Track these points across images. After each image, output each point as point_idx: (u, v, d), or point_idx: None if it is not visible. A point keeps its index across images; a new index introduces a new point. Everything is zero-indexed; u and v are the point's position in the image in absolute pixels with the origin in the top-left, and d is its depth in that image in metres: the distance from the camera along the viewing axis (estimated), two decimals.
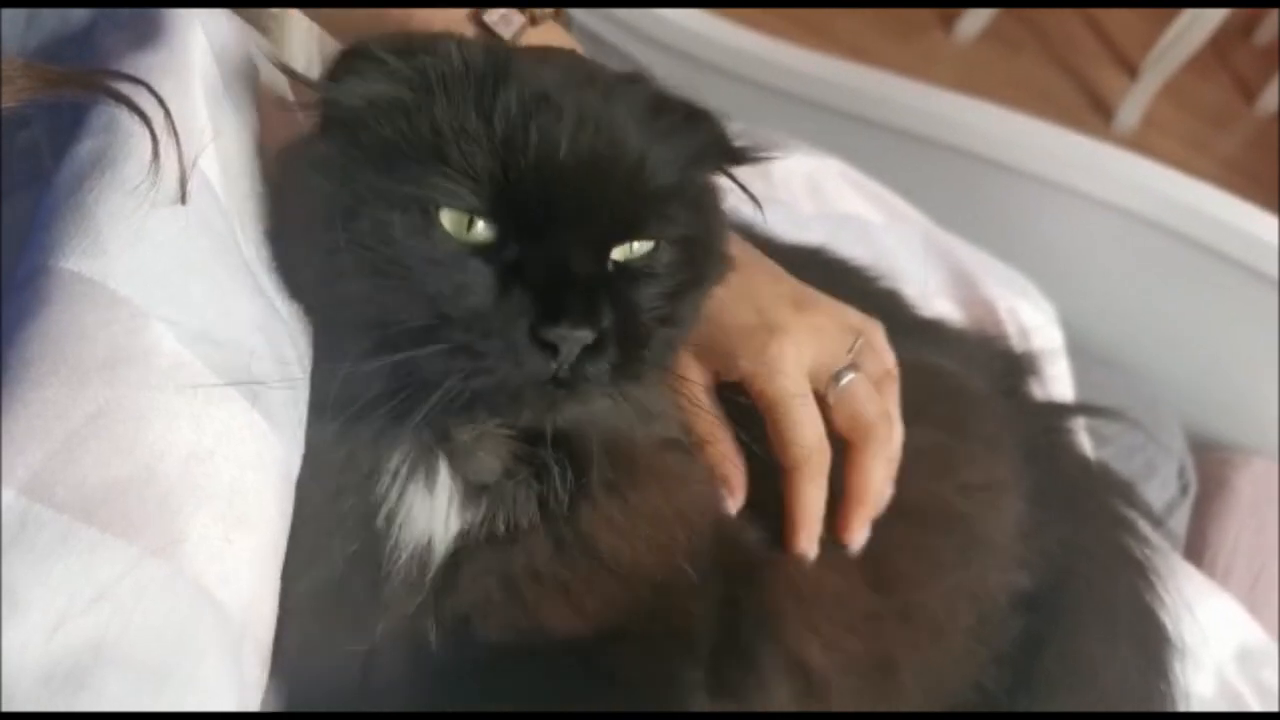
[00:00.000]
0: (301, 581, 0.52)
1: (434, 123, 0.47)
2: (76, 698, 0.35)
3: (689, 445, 0.58)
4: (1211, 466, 1.12)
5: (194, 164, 0.46)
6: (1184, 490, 1.06)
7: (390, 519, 0.52)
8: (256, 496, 0.44)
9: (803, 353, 0.61)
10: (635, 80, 0.53)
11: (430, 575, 0.53)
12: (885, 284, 0.84)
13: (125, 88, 0.46)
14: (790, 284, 0.65)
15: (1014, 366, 0.87)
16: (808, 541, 0.61)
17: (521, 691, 0.55)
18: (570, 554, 0.55)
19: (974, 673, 0.68)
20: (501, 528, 0.54)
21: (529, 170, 0.47)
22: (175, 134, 0.45)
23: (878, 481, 0.63)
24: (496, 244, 0.48)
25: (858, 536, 0.63)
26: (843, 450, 0.62)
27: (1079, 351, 1.03)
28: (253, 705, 0.44)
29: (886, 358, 0.66)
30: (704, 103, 0.54)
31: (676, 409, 0.58)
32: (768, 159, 0.56)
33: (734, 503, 0.61)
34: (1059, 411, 0.86)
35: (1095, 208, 1.20)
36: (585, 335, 0.47)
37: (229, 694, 0.40)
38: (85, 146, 0.45)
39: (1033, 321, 1.02)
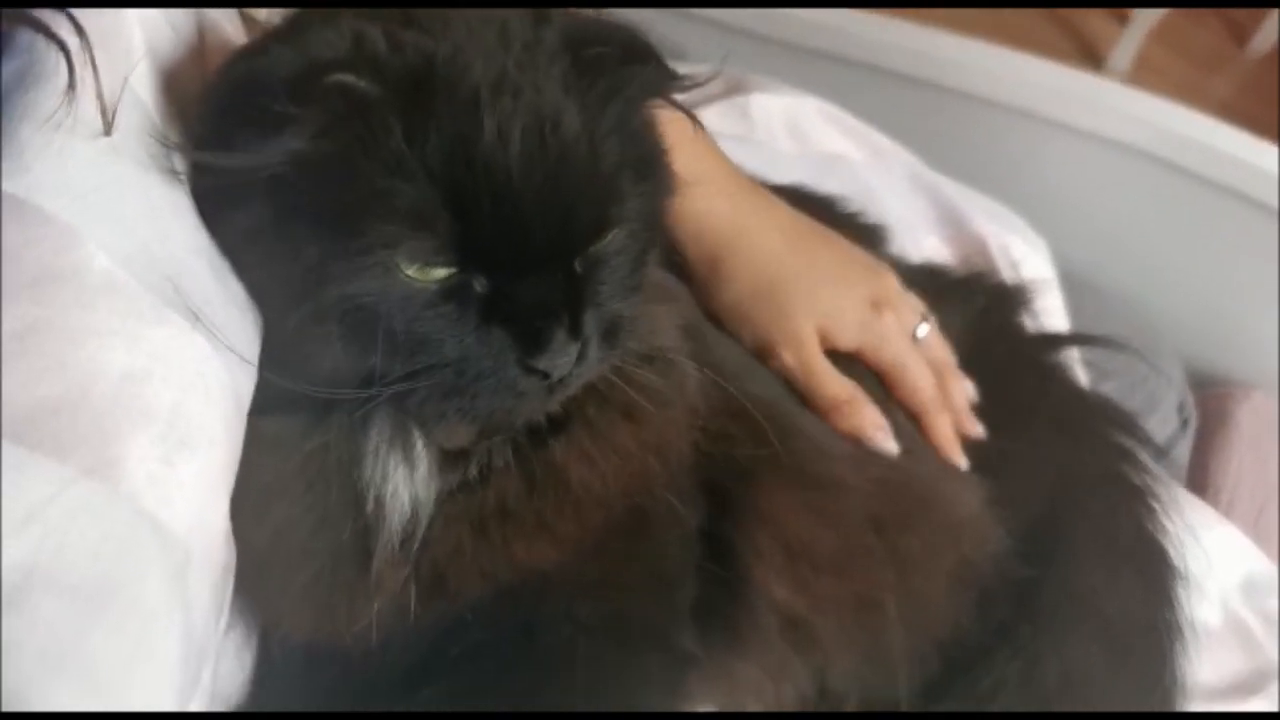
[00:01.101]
0: (296, 576, 0.52)
1: (361, 169, 0.43)
2: (7, 620, 0.34)
3: (664, 363, 0.56)
4: (1212, 401, 1.10)
5: (124, 84, 0.44)
6: (1184, 425, 1.03)
7: (379, 501, 0.51)
8: (200, 419, 0.42)
9: (900, 321, 0.72)
10: (544, 21, 0.48)
11: (417, 541, 0.52)
12: (865, 220, 0.82)
13: (46, 13, 0.43)
14: (863, 257, 0.75)
15: (1005, 300, 0.85)
16: (959, 457, 0.71)
17: (504, 649, 0.54)
18: (541, 488, 0.54)
19: (958, 612, 0.67)
20: (475, 473, 0.53)
21: (483, 205, 0.44)
22: (93, 60, 0.43)
23: (960, 399, 0.73)
24: (463, 280, 0.45)
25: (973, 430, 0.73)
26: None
27: (1075, 290, 1.01)
28: (204, 630, 0.42)
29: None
30: (615, 23, 0.50)
31: (649, 331, 0.56)
32: (703, 83, 0.53)
33: (888, 438, 0.67)
34: (1052, 342, 0.84)
35: (1089, 143, 1.18)
36: (573, 352, 0.47)
37: (173, 617, 0.39)
38: (8, 67, 0.43)
39: (1025, 257, 0.99)
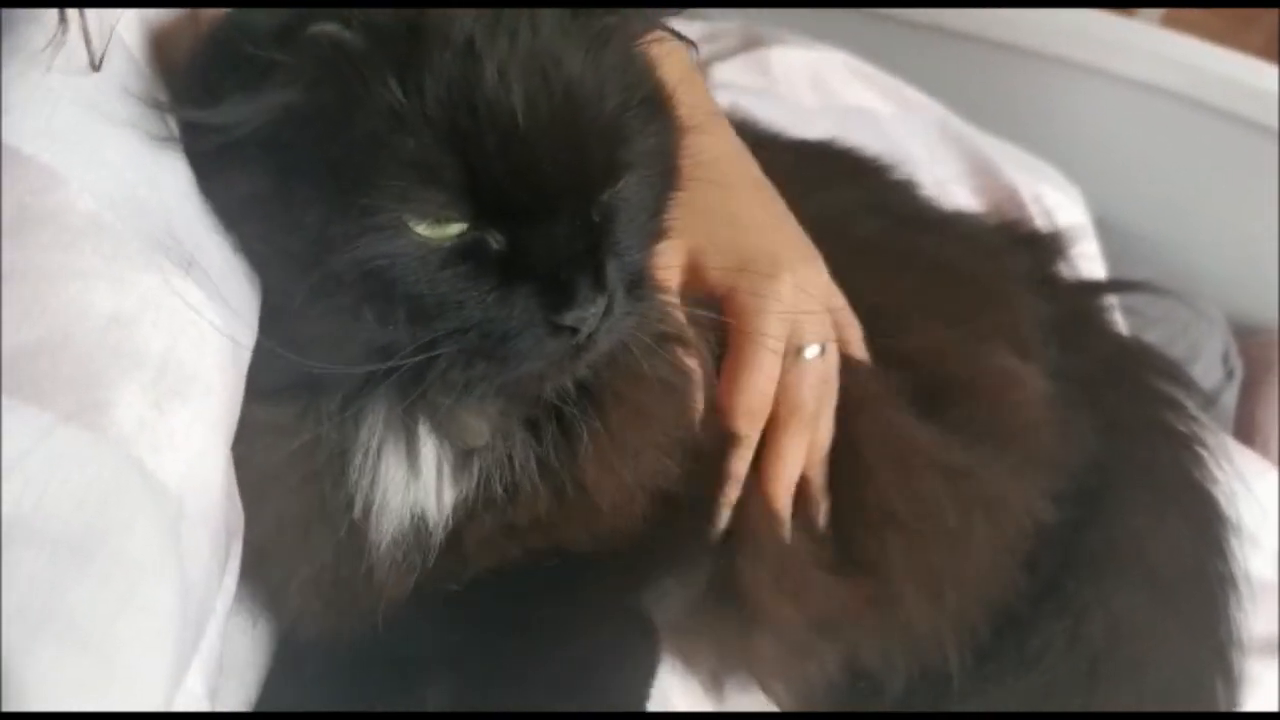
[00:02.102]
0: (298, 569, 0.50)
1: (359, 125, 0.41)
2: None
3: (676, 343, 0.55)
4: (1256, 350, 1.06)
5: (111, 32, 0.42)
6: (1229, 375, 1.01)
7: (367, 505, 0.49)
8: (194, 367, 0.40)
9: (795, 302, 0.59)
10: None
11: (430, 552, 0.50)
12: (899, 175, 0.79)
13: None
14: (801, 234, 0.63)
15: (1040, 250, 0.82)
16: (783, 503, 0.61)
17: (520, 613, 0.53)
18: (573, 502, 0.52)
19: (1006, 579, 0.65)
20: (499, 490, 0.51)
21: (491, 151, 0.41)
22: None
23: (790, 465, 0.61)
24: (478, 237, 0.43)
25: (785, 524, 0.61)
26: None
27: (1113, 240, 0.99)
28: (205, 585, 0.40)
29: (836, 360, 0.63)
30: None
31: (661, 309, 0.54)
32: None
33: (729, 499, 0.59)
34: (1091, 290, 0.81)
35: (1123, 87, 1.14)
36: (600, 304, 0.44)
37: (166, 569, 0.37)
38: None
39: (1059, 205, 0.97)
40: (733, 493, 0.59)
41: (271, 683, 0.53)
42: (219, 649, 0.42)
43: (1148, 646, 0.66)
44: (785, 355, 0.60)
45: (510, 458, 0.51)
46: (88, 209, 0.39)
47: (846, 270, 0.65)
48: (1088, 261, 0.90)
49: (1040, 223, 0.92)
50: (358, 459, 0.49)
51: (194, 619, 0.39)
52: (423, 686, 0.53)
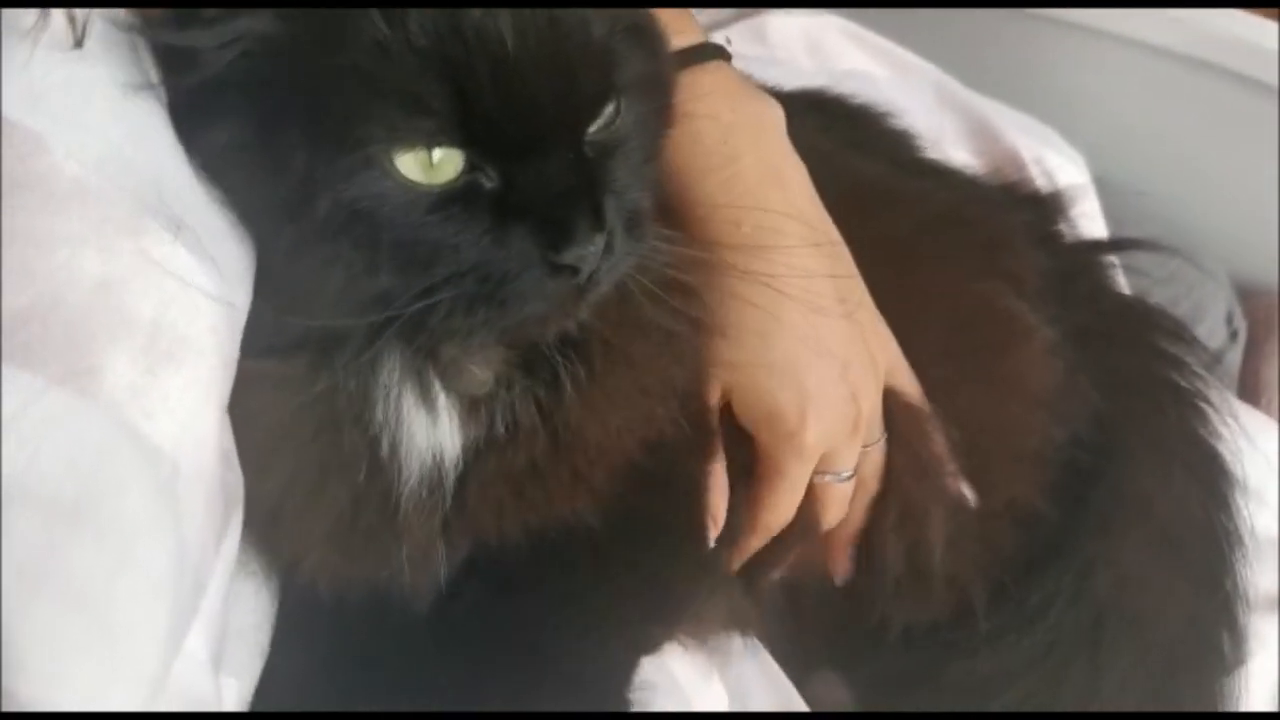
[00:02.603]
0: (317, 520, 0.50)
1: (341, 57, 0.40)
2: None
3: (678, 290, 0.54)
4: (1260, 311, 1.06)
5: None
6: (1234, 335, 1.01)
7: (394, 444, 0.49)
8: (186, 330, 0.40)
9: (826, 441, 0.60)
10: None
11: (444, 493, 0.51)
12: (894, 123, 0.79)
13: None
14: (860, 351, 0.62)
15: (1042, 209, 0.82)
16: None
17: (537, 591, 0.54)
18: (566, 446, 0.52)
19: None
20: (501, 430, 0.51)
21: (481, 77, 0.41)
22: None
23: (774, 529, 0.63)
24: (469, 175, 0.42)
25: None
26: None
27: (1115, 202, 0.97)
28: (200, 548, 0.41)
29: (880, 465, 0.65)
30: None
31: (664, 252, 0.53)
32: None
33: (711, 536, 0.60)
34: (1093, 248, 0.81)
35: (1124, 47, 1.12)
36: (601, 241, 0.44)
37: (161, 530, 0.37)
38: None
39: (1059, 168, 0.96)
40: (714, 532, 0.60)
41: (278, 649, 0.53)
42: (222, 614, 0.43)
43: (1153, 601, 0.66)
44: (812, 478, 0.62)
45: (512, 402, 0.50)
46: (74, 173, 0.39)
47: (842, 209, 0.64)
48: (1089, 221, 0.89)
49: (1041, 184, 0.91)
50: (380, 401, 0.49)
51: (191, 580, 0.39)
52: (425, 660, 0.53)
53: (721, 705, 0.67)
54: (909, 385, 0.65)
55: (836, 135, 0.73)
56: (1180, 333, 0.76)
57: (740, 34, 0.95)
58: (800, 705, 0.69)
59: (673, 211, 0.57)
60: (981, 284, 0.67)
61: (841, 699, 0.75)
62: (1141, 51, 1.13)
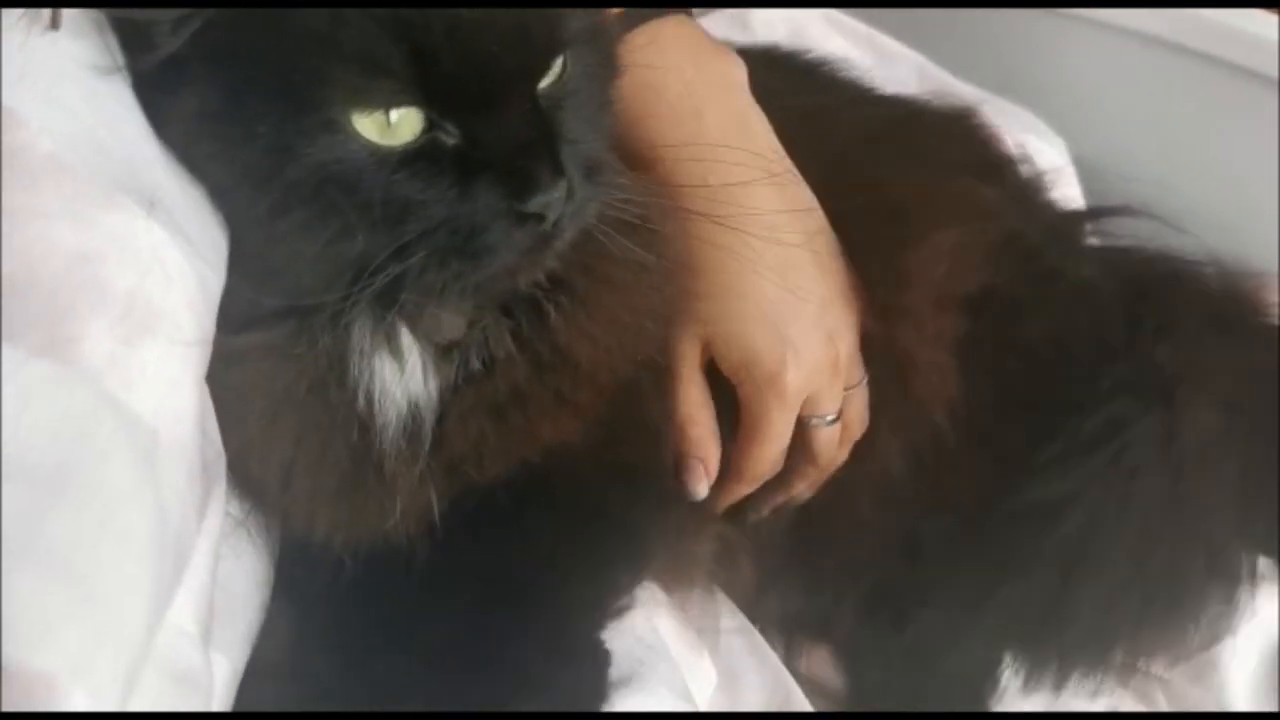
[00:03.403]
0: (324, 480, 0.52)
1: (300, 23, 0.41)
2: None
3: (645, 232, 0.55)
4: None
5: None
6: None
7: (370, 398, 0.51)
8: (162, 303, 0.41)
9: (808, 385, 0.62)
10: None
11: (423, 439, 0.52)
12: (846, 72, 0.80)
13: None
14: (829, 297, 0.64)
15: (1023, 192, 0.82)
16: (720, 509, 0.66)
17: (531, 539, 0.55)
18: (550, 367, 0.54)
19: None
20: (478, 364, 0.53)
21: (436, 35, 0.42)
22: None
23: (801, 494, 0.67)
24: (430, 134, 0.44)
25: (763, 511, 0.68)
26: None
27: (1097, 189, 0.98)
28: (181, 519, 0.41)
29: (865, 408, 0.67)
30: None
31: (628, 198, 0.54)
32: None
33: (705, 485, 0.62)
34: (1076, 219, 0.82)
35: (1106, 34, 1.13)
36: (562, 188, 0.45)
37: (143, 499, 0.38)
38: None
39: (1040, 152, 0.96)
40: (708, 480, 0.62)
41: (275, 613, 0.54)
42: (209, 588, 0.43)
43: (1235, 453, 0.66)
44: (797, 423, 0.63)
45: (486, 339, 0.52)
46: (47, 149, 0.39)
47: (790, 134, 0.65)
48: (1071, 204, 0.90)
49: (1023, 168, 0.92)
50: (354, 359, 0.50)
51: (173, 549, 0.39)
52: (417, 607, 0.54)
53: (711, 683, 0.67)
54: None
55: (788, 79, 0.74)
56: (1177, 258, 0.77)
57: (722, 21, 0.96)
58: (790, 683, 0.69)
59: (639, 165, 0.59)
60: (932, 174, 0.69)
61: (831, 678, 0.76)
62: (1126, 38, 1.14)
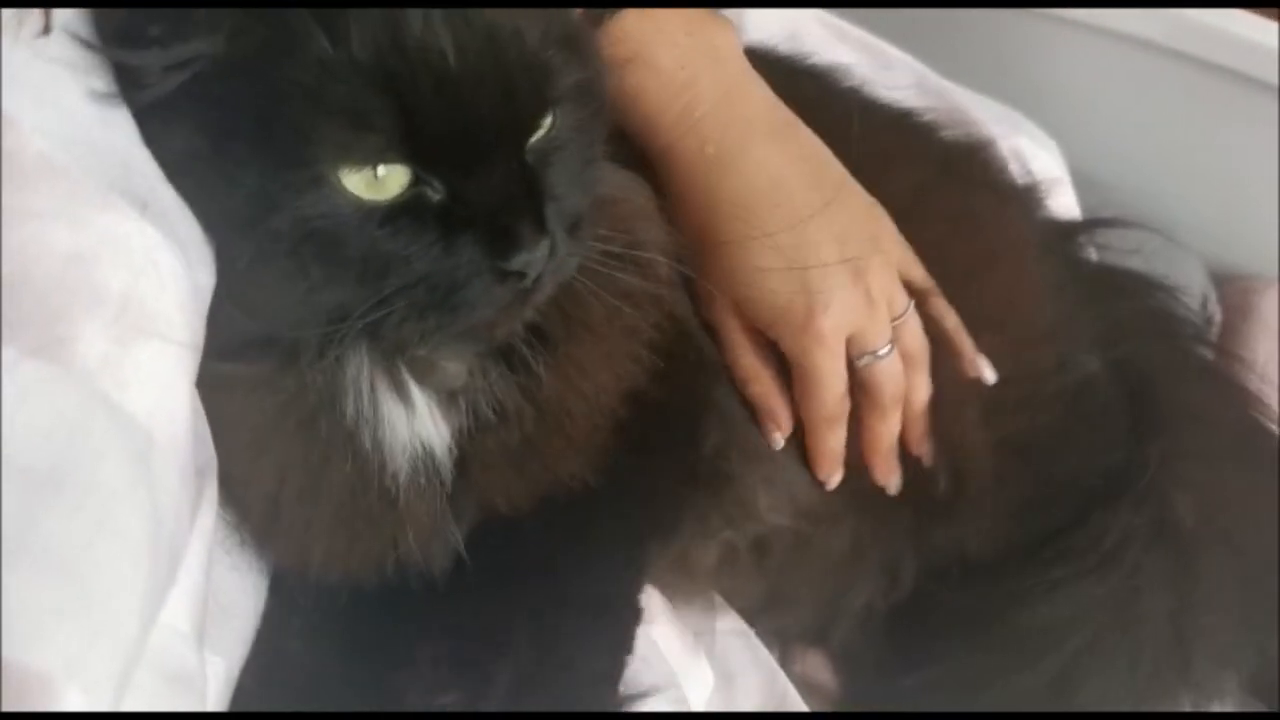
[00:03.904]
0: (316, 513, 0.52)
1: (289, 76, 0.41)
2: None
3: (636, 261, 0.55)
4: (1235, 296, 1.08)
5: None
6: (1208, 321, 1.01)
7: (376, 438, 0.51)
8: (155, 305, 0.41)
9: (844, 323, 0.62)
10: None
11: (441, 479, 0.53)
12: (852, 83, 0.80)
13: None
14: (855, 231, 0.64)
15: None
16: (890, 475, 0.66)
17: (547, 552, 0.57)
18: (553, 416, 0.55)
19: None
20: (490, 414, 0.53)
21: (424, 93, 0.42)
22: None
23: (887, 439, 0.66)
24: (415, 189, 0.44)
25: (890, 480, 0.67)
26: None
27: (1090, 193, 0.98)
28: (175, 521, 0.41)
29: (920, 334, 0.67)
30: None
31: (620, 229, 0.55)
32: None
33: (780, 436, 0.64)
34: (1070, 230, 0.82)
35: (1100, 38, 1.14)
36: (545, 247, 0.45)
37: (137, 498, 0.38)
38: None
39: (1035, 158, 0.97)
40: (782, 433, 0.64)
41: (268, 625, 0.54)
42: (203, 588, 0.43)
43: (1238, 510, 0.67)
44: (855, 358, 0.64)
45: (491, 389, 0.52)
46: (40, 150, 0.39)
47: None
48: (1066, 211, 0.90)
49: (1018, 175, 0.92)
50: (351, 398, 0.50)
51: (167, 548, 0.39)
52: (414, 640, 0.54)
53: (708, 685, 0.67)
54: (913, 268, 0.67)
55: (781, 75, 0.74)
56: (1168, 288, 0.79)
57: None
58: (786, 685, 0.69)
59: (635, 140, 0.60)
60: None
61: (826, 680, 0.76)
62: (1122, 43, 1.14)
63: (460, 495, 0.54)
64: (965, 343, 0.66)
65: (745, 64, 0.65)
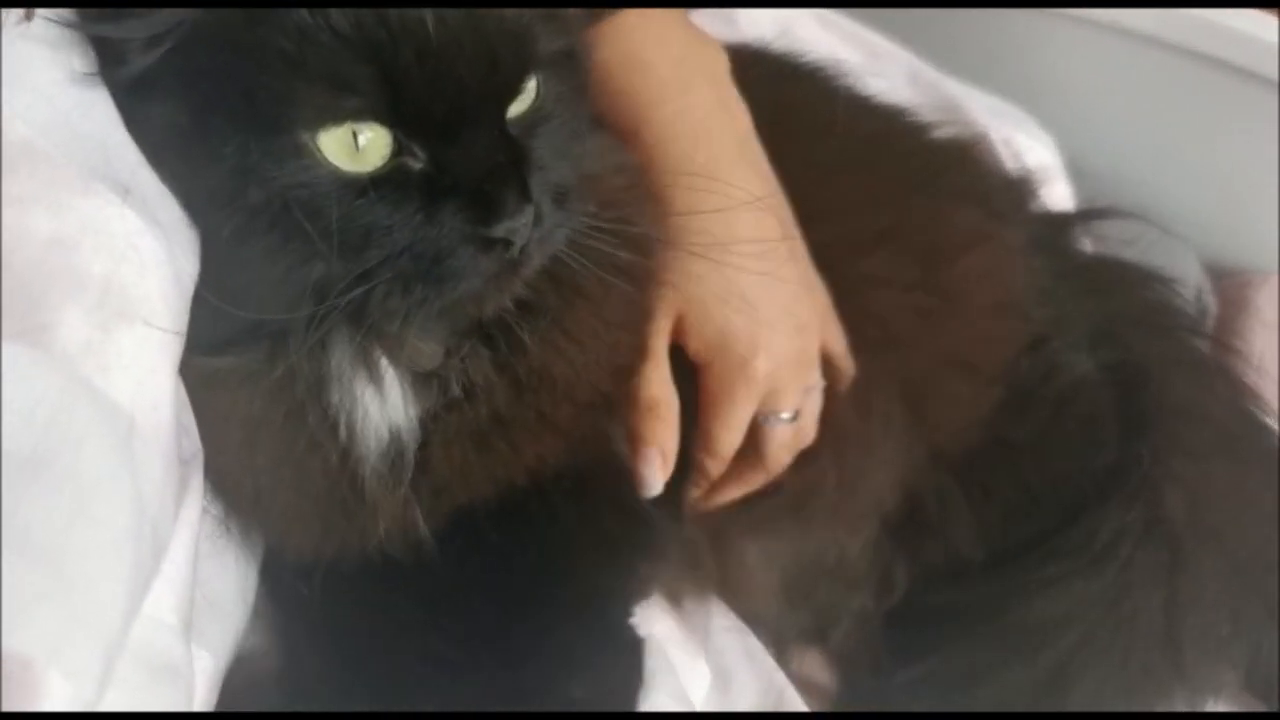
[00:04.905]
0: (298, 502, 0.51)
1: (269, 41, 0.41)
2: None
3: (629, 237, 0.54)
4: (1230, 290, 1.07)
5: None
6: (1203, 314, 1.01)
7: (350, 424, 0.50)
8: (137, 291, 0.40)
9: (774, 374, 0.61)
10: None
11: (405, 465, 0.52)
12: (843, 81, 0.79)
13: None
14: (801, 290, 0.63)
15: (1013, 192, 0.83)
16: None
17: (523, 548, 0.55)
18: (530, 389, 0.53)
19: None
20: (458, 390, 0.52)
21: (405, 57, 0.41)
22: None
23: (746, 488, 0.66)
24: (397, 159, 0.43)
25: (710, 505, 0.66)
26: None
27: (1085, 188, 0.99)
28: (159, 507, 0.41)
29: (815, 416, 0.66)
30: None
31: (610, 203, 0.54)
32: None
33: (661, 476, 0.60)
34: (1063, 222, 0.82)
35: (1095, 32, 1.13)
36: (529, 214, 0.44)
37: (118, 484, 0.37)
38: None
39: (1029, 150, 0.97)
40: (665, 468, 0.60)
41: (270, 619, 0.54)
42: (188, 581, 0.42)
43: (1229, 507, 0.67)
44: (760, 412, 0.63)
45: (464, 366, 0.51)
46: (22, 135, 0.39)
47: (770, 137, 0.65)
48: (1060, 203, 0.90)
49: (1011, 166, 0.92)
50: (334, 384, 0.49)
51: (150, 537, 0.39)
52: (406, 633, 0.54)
53: (705, 683, 0.67)
54: (844, 357, 0.66)
55: (767, 71, 0.74)
56: (1164, 280, 0.78)
57: (709, 19, 0.95)
58: (782, 682, 0.69)
59: (624, 137, 0.59)
60: (923, 199, 0.70)
61: (823, 678, 0.75)
62: (1117, 38, 1.14)
63: (420, 480, 0.53)
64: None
65: (734, 90, 0.65)
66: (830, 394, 0.65)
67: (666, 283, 0.59)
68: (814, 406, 0.65)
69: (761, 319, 0.60)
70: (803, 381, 0.63)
